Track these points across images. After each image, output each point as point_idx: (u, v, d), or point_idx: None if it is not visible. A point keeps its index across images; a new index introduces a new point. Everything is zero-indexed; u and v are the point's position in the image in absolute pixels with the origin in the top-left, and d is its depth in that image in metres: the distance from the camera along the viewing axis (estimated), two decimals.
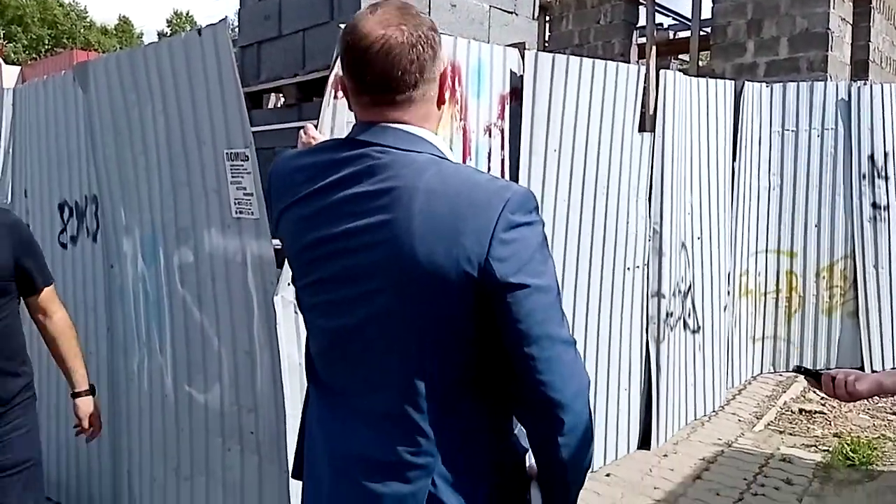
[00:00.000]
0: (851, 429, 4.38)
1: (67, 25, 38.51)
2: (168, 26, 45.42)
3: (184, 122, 2.54)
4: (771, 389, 5.01)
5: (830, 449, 4.03)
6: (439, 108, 1.20)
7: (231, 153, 2.38)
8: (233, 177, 2.39)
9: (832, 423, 4.48)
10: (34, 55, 33.66)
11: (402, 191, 1.09)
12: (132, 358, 2.98)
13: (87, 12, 41.22)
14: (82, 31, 38.89)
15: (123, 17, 43.47)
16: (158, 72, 2.62)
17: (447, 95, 1.22)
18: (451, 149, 1.27)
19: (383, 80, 1.12)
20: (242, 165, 2.35)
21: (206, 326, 2.59)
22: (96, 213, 3.08)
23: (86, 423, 2.22)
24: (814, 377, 1.66)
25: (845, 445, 3.99)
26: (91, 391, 2.24)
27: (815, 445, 4.12)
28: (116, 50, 35.90)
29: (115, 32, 41.95)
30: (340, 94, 2.40)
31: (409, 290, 1.09)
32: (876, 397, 3.53)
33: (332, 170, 1.15)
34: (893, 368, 1.64)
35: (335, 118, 2.43)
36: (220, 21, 2.34)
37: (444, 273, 1.06)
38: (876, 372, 1.65)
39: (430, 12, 3.68)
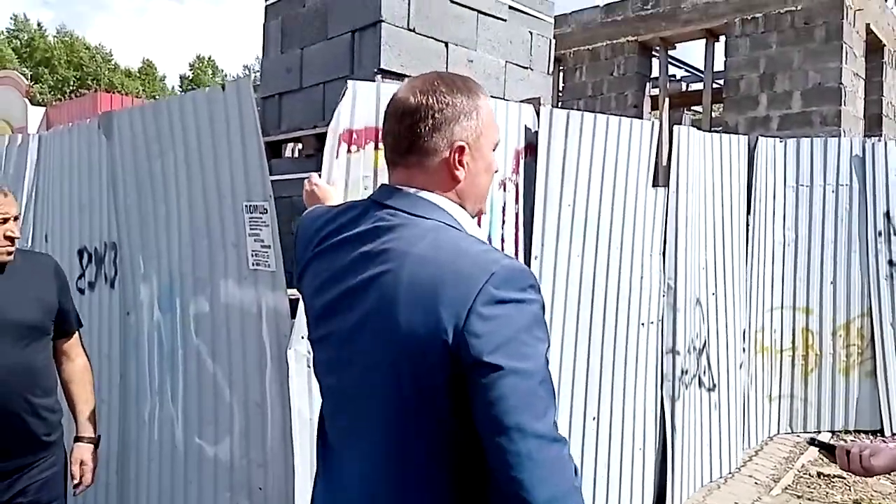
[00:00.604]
0: (872, 495, 4.25)
1: (93, 68, 39.58)
2: (190, 70, 46.57)
3: (205, 174, 2.59)
4: (788, 451, 4.90)
5: None
6: (453, 177, 1.17)
7: (250, 205, 2.41)
8: (251, 229, 2.41)
9: (851, 488, 4.36)
10: (59, 96, 34.54)
11: (396, 254, 1.09)
12: (144, 406, 2.97)
13: (112, 55, 42.44)
14: (107, 73, 39.92)
15: (147, 60, 44.59)
16: (182, 124, 2.68)
17: (472, 166, 1.18)
18: (479, 217, 1.25)
19: (396, 142, 1.17)
20: (261, 218, 2.37)
21: (218, 377, 2.59)
22: (115, 260, 3.12)
23: (76, 469, 2.17)
24: (828, 450, 1.62)
25: None
26: (93, 441, 2.23)
27: None
28: (139, 92, 36.78)
29: (138, 75, 43.03)
30: (354, 148, 2.44)
31: (390, 356, 1.07)
32: None
33: (348, 228, 1.19)
34: None
35: (349, 173, 2.46)
36: (243, 77, 2.40)
37: (421, 341, 1.03)
38: (895, 436, 1.61)
39: (447, 68, 3.76)
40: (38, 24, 41.25)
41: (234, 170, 2.46)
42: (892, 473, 4.52)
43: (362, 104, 2.43)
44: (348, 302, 1.14)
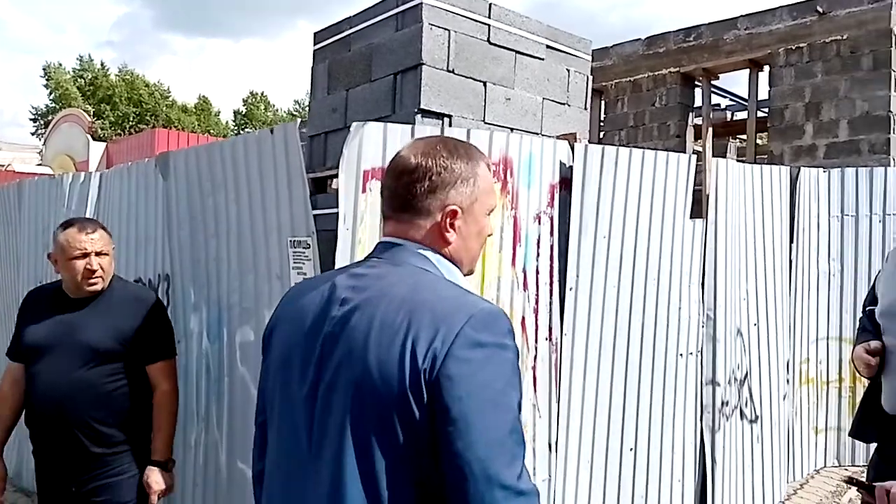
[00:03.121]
0: None
1: (151, 104, 41.27)
2: (244, 105, 48.17)
3: (253, 211, 2.74)
4: (835, 485, 4.76)
5: None
6: (444, 239, 1.18)
7: (294, 241, 2.55)
8: (294, 262, 2.55)
9: None
10: (119, 131, 36.13)
11: (373, 298, 1.09)
12: (190, 431, 3.11)
13: (169, 92, 44.17)
14: (165, 109, 41.59)
15: (203, 96, 46.32)
16: (233, 164, 2.85)
17: (464, 229, 1.19)
18: (459, 269, 1.23)
19: (391, 198, 1.20)
20: (304, 253, 2.51)
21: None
22: (168, 290, 3.30)
23: (154, 489, 2.33)
24: (867, 490, 1.60)
25: None
26: (161, 464, 2.37)
27: None
28: (195, 127, 38.14)
29: (194, 111, 44.69)
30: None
31: (363, 398, 1.04)
32: None
33: (346, 279, 1.19)
34: None
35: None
36: (290, 122, 2.56)
37: (392, 384, 1.00)
38: None
39: (485, 106, 3.88)
40: (102, 64, 43.35)
41: (280, 207, 2.61)
42: None
43: (372, 144, 2.53)
44: (326, 351, 1.11)
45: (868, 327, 2.26)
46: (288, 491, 1.16)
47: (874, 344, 2.10)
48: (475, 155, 1.21)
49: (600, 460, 3.44)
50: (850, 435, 2.40)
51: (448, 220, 1.17)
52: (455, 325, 1.00)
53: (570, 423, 3.32)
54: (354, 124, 2.38)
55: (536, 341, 3.23)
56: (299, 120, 2.83)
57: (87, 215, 4.06)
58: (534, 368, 3.21)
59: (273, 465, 1.22)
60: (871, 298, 2.34)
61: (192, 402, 3.11)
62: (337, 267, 1.96)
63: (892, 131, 7.98)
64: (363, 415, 1.04)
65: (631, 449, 3.53)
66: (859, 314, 2.45)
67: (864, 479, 1.62)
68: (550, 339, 3.27)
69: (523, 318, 3.19)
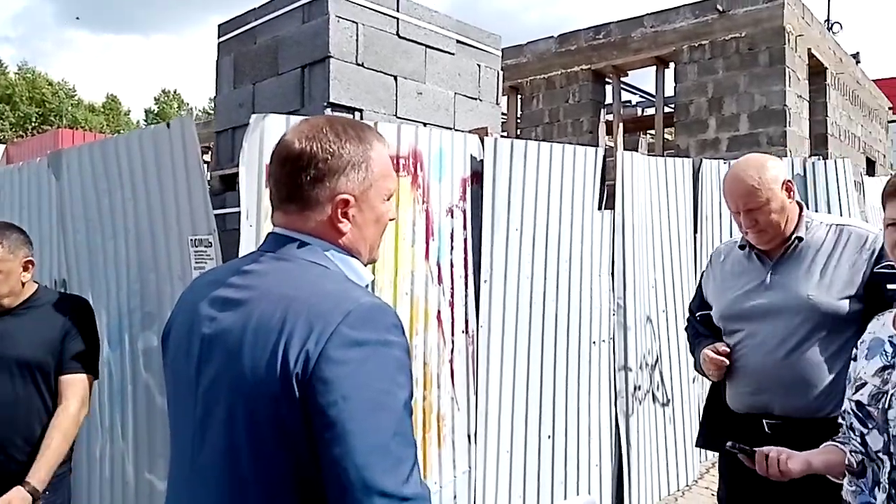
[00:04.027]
0: None
1: (55, 104, 39.14)
2: (156, 104, 46.35)
3: (151, 210, 2.63)
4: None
5: None
6: (337, 230, 1.10)
7: (195, 239, 2.46)
8: (196, 262, 2.46)
9: None
10: (20, 133, 34.07)
11: (255, 297, 1.02)
12: (94, 443, 2.96)
13: (75, 91, 42.02)
14: (70, 109, 39.53)
15: (111, 95, 44.27)
16: (129, 161, 2.73)
17: (359, 218, 1.11)
18: (360, 261, 1.16)
19: (277, 188, 1.10)
20: (206, 252, 2.42)
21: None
22: None
23: None
24: (748, 455, 1.69)
25: None
26: (33, 491, 2.02)
27: None
28: (103, 127, 36.43)
29: (102, 110, 42.68)
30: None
31: (238, 405, 0.98)
32: None
33: (231, 276, 1.12)
34: (828, 445, 1.67)
35: None
36: (186, 115, 2.47)
37: (264, 389, 0.94)
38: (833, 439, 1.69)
39: (397, 100, 3.86)
40: None
41: (179, 204, 2.51)
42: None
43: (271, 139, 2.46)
44: (205, 353, 1.05)
45: (703, 331, 2.27)
46: (177, 502, 1.12)
47: (722, 346, 2.13)
48: (367, 136, 1.11)
49: (519, 449, 3.49)
50: (696, 445, 2.41)
51: (339, 210, 1.08)
52: (330, 323, 0.93)
53: (489, 414, 3.35)
54: (254, 116, 2.31)
55: (453, 334, 3.24)
56: (196, 113, 2.72)
57: None
58: (451, 361, 3.22)
59: (170, 475, 1.17)
60: (700, 303, 2.34)
61: (96, 413, 2.96)
62: None
63: (787, 124, 8.47)
64: (240, 423, 0.98)
65: (549, 436, 3.60)
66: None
67: (745, 446, 1.69)
68: (467, 332, 3.29)
69: (439, 312, 3.19)
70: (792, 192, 2.06)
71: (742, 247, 2.19)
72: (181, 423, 1.12)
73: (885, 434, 1.42)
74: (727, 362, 2.11)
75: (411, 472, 0.94)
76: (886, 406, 1.42)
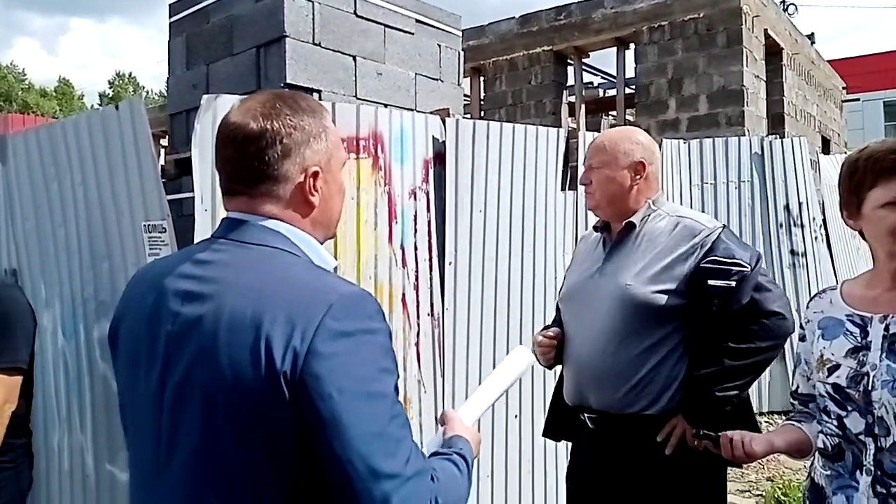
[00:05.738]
0: (783, 472, 4.49)
1: (4, 88, 37.81)
2: (110, 87, 45.05)
3: (102, 196, 2.55)
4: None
5: (764, 494, 4.12)
6: (308, 203, 1.08)
7: (149, 225, 2.39)
8: (151, 248, 2.39)
9: (765, 467, 4.60)
10: None
11: (220, 290, 0.99)
12: (52, 435, 2.88)
13: (25, 74, 40.62)
14: (20, 93, 38.21)
15: (64, 79, 42.88)
16: (77, 145, 2.63)
17: (325, 190, 1.10)
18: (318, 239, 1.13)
19: (238, 171, 1.06)
20: (160, 238, 2.36)
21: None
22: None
23: None
24: (713, 440, 1.70)
25: (777, 490, 4.09)
26: None
27: (749, 490, 4.21)
28: (56, 112, 35.35)
29: (54, 94, 41.33)
30: None
31: (217, 406, 0.95)
32: None
33: (187, 265, 1.07)
34: (785, 425, 1.71)
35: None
36: (135, 96, 2.39)
37: (249, 388, 0.92)
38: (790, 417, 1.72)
39: (356, 80, 3.80)
40: None
41: (131, 189, 2.44)
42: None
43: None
44: (172, 351, 1.01)
45: (557, 317, 2.19)
46: None
47: (553, 330, 2.07)
48: (316, 107, 1.11)
49: (487, 430, 3.50)
50: (543, 435, 2.28)
51: (311, 182, 1.07)
52: (314, 317, 0.92)
53: (456, 396, 3.36)
54: (206, 97, 2.25)
55: (418, 317, 3.23)
56: (153, 96, 2.64)
57: None
58: (417, 344, 3.21)
59: (131, 475, 1.13)
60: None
61: (52, 404, 2.88)
62: None
63: (745, 104, 8.60)
64: (219, 425, 0.95)
65: (516, 416, 3.63)
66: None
67: (710, 433, 1.70)
68: (432, 315, 3.28)
69: (403, 295, 3.17)
70: (640, 175, 1.95)
71: (596, 228, 2.11)
72: (141, 426, 1.07)
73: (867, 416, 1.40)
74: (552, 347, 2.04)
75: (412, 450, 0.96)
76: (869, 388, 1.39)
